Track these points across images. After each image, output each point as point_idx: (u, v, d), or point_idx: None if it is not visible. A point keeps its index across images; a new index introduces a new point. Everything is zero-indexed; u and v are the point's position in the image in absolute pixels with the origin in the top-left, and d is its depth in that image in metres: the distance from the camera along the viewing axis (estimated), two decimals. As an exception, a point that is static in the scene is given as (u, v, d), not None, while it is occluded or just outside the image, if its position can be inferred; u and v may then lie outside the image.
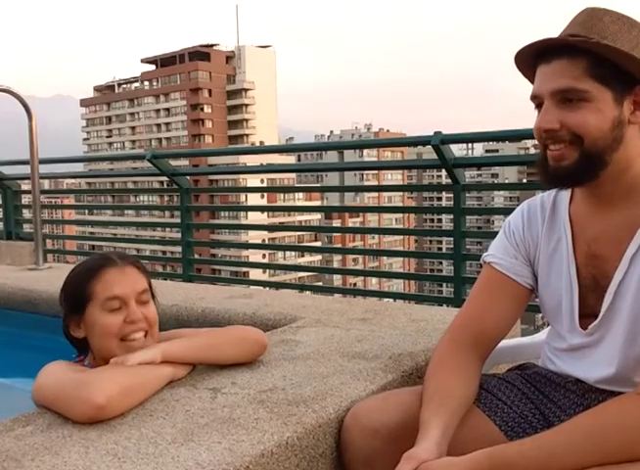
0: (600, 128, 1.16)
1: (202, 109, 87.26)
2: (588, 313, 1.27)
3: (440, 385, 1.26)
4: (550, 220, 1.35)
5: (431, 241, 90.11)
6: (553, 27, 1.28)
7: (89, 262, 1.51)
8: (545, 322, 1.52)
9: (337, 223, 60.03)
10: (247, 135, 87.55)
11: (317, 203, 53.39)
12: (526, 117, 1.31)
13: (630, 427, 1.04)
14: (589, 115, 1.16)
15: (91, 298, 1.42)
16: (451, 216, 3.52)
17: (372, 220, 69.75)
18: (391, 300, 4.10)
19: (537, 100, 1.23)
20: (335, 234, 60.80)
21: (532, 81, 1.27)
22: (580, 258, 1.29)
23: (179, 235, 4.69)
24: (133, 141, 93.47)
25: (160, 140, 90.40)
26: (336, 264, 57.61)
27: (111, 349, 1.42)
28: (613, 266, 1.22)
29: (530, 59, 1.24)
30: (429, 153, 3.41)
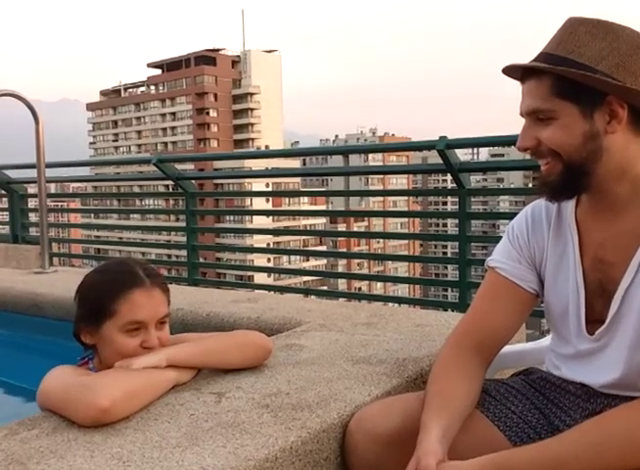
0: (570, 144, 1.18)
1: (207, 113, 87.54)
2: (595, 319, 1.27)
3: (442, 388, 1.26)
4: (556, 225, 1.35)
5: (436, 245, 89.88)
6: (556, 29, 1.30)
7: (115, 275, 1.46)
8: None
9: (342, 228, 60.00)
10: (252, 139, 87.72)
11: (322, 207, 53.37)
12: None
13: (636, 436, 1.03)
14: (557, 132, 1.19)
15: (113, 315, 1.40)
16: (456, 221, 3.52)
17: (377, 225, 69.70)
18: (396, 304, 4.09)
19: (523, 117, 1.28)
20: (340, 238, 60.84)
21: None
22: (587, 263, 1.28)
23: (184, 239, 4.69)
24: (139, 145, 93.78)
25: (165, 144, 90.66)
26: (340, 269, 57.63)
27: None
28: (619, 272, 1.22)
29: (519, 77, 1.28)
30: (434, 157, 3.41)
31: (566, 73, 1.16)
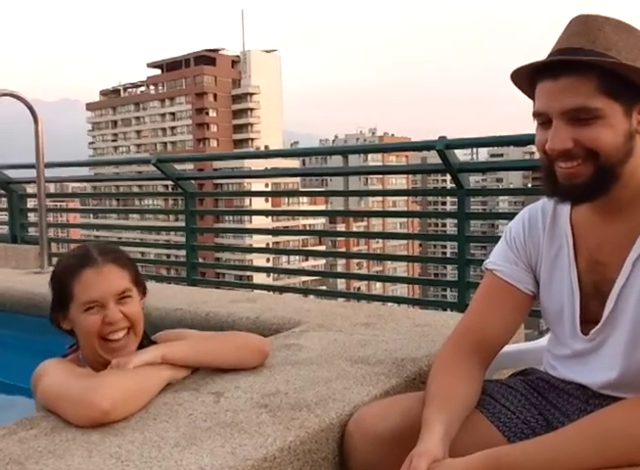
0: (613, 143, 1.13)
1: (207, 113, 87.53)
2: (590, 319, 1.27)
3: (442, 387, 1.27)
4: (551, 227, 1.35)
5: (435, 245, 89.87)
6: (555, 33, 1.23)
7: (71, 259, 1.51)
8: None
9: (341, 227, 59.99)
10: (252, 139, 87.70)
11: (321, 207, 53.36)
12: (531, 122, 1.28)
13: (633, 432, 1.04)
14: (602, 131, 1.13)
15: (72, 299, 1.45)
16: (455, 221, 3.52)
17: (376, 224, 69.66)
18: (395, 304, 4.09)
19: (543, 117, 1.19)
20: (339, 238, 60.88)
21: (528, 94, 1.23)
22: (582, 264, 1.29)
23: (183, 239, 4.70)
24: (138, 145, 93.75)
25: (165, 144, 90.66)
26: (339, 268, 57.54)
27: (93, 347, 1.44)
28: (614, 272, 1.22)
29: (529, 72, 1.20)
30: (433, 157, 3.41)
31: (622, 69, 1.11)
